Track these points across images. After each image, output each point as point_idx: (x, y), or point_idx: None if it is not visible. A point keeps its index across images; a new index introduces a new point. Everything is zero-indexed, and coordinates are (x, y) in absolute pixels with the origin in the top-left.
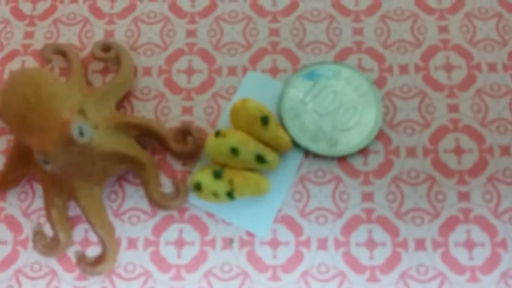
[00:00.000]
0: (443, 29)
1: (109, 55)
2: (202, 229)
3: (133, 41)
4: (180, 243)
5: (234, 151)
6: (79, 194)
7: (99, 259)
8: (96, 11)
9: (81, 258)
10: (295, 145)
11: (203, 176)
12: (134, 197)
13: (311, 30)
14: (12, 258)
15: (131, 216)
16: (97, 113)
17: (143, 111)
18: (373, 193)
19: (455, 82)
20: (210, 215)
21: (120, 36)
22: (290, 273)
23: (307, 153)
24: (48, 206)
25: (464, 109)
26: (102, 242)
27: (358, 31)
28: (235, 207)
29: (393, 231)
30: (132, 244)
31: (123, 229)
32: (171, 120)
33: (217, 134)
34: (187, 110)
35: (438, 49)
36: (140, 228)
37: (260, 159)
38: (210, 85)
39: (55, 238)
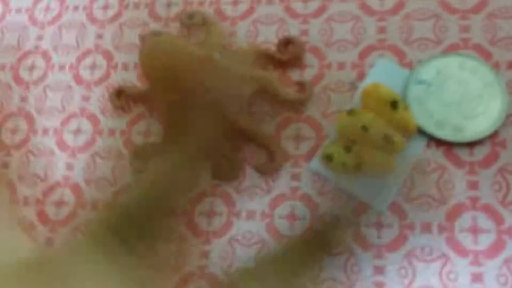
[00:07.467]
0: None
1: (195, 20)
2: None
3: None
4: None
5: (365, 128)
6: (240, 116)
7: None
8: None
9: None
10: (420, 132)
11: (335, 148)
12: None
13: (419, 28)
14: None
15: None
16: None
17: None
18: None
19: None
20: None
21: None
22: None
23: (431, 139)
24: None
25: None
26: (269, 150)
27: (464, 28)
28: (357, 181)
29: None
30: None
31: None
32: None
33: (350, 112)
34: None
35: None
36: None
37: (388, 139)
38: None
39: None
